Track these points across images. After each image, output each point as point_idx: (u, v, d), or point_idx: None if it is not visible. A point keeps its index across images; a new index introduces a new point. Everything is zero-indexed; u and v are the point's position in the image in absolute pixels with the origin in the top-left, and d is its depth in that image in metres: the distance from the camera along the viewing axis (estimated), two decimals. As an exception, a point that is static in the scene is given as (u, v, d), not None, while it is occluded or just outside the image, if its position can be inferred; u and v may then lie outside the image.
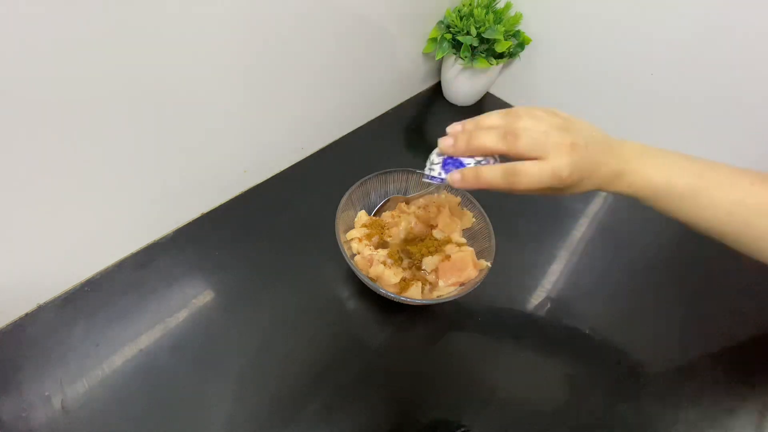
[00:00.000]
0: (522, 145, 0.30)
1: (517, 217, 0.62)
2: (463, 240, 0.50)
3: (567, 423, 0.45)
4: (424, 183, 0.49)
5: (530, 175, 0.30)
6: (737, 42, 0.53)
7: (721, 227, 0.33)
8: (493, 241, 0.47)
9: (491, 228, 0.48)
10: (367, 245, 0.49)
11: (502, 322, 0.52)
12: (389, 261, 0.47)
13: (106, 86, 0.38)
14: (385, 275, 0.45)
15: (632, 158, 0.33)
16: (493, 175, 0.31)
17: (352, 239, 0.49)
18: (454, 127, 0.34)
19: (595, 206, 0.66)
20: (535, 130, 0.30)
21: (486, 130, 0.32)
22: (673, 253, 0.62)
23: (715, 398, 0.48)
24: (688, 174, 0.32)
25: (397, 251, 0.48)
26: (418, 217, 0.51)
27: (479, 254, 0.48)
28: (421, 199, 0.53)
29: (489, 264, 0.45)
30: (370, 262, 0.47)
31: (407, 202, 0.52)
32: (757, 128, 0.57)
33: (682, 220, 0.34)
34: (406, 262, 0.48)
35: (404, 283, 0.46)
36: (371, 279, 0.45)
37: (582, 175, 0.31)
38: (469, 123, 0.34)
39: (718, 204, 0.32)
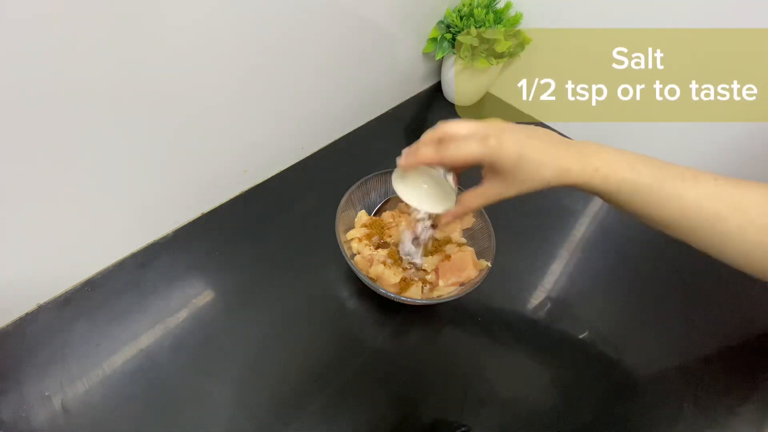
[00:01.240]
0: (451, 149, 0.32)
1: (517, 217, 0.61)
2: (464, 240, 0.50)
3: (567, 423, 0.45)
4: None
5: (458, 146, 0.32)
6: (738, 41, 0.53)
7: (689, 221, 0.31)
8: (493, 241, 0.47)
9: (491, 228, 0.48)
10: (367, 245, 0.49)
11: (502, 322, 0.52)
12: (389, 261, 0.47)
13: (106, 86, 0.38)
14: (385, 275, 0.45)
15: (594, 153, 0.32)
16: (425, 149, 0.34)
17: (352, 239, 0.49)
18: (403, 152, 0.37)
19: (596, 206, 0.66)
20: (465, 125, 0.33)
21: (424, 144, 0.35)
22: (674, 253, 0.62)
23: (716, 398, 0.48)
24: (653, 167, 0.31)
25: (397, 251, 0.48)
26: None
27: (479, 254, 0.48)
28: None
29: (489, 264, 0.45)
30: (370, 262, 0.47)
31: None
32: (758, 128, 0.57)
33: (645, 215, 0.32)
34: (405, 261, 0.48)
35: (404, 283, 0.46)
36: (371, 279, 0.45)
37: (526, 154, 0.31)
38: (412, 146, 0.36)
39: (685, 196, 0.31)
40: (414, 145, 0.36)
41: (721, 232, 0.31)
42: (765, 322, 0.55)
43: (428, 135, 0.35)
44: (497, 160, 0.31)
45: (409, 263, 0.47)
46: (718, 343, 0.52)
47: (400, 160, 0.36)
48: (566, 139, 0.34)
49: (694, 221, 0.31)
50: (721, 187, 0.31)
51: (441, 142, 0.33)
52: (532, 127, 0.33)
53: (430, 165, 0.35)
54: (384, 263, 0.46)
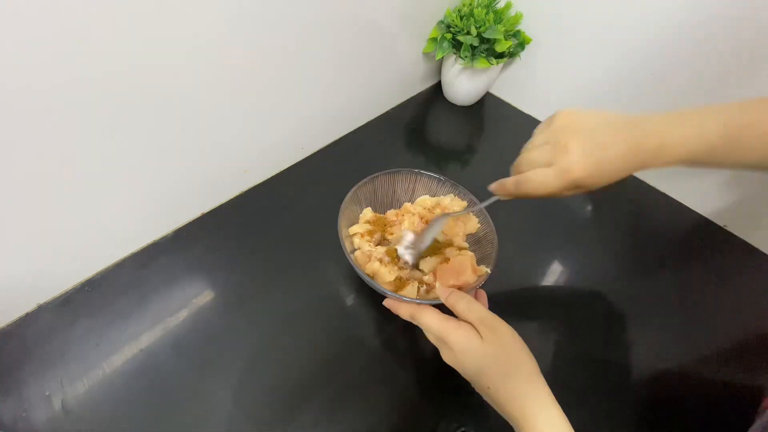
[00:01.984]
0: (531, 187, 0.34)
1: (522, 220, 0.62)
2: (465, 244, 0.50)
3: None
4: (471, 204, 0.51)
5: (534, 180, 0.34)
6: (738, 42, 0.53)
7: None
8: (496, 248, 0.46)
9: (495, 234, 0.47)
10: (368, 241, 0.48)
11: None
12: (386, 259, 0.46)
13: (106, 86, 0.38)
14: (381, 272, 0.45)
15: (657, 128, 0.32)
16: (510, 184, 0.37)
17: (354, 234, 0.49)
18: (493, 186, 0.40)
19: (597, 209, 0.66)
20: (530, 157, 0.35)
21: (507, 180, 0.37)
22: (675, 253, 0.62)
23: (715, 396, 0.48)
24: (718, 121, 0.31)
25: (395, 249, 0.48)
26: (421, 217, 0.51)
27: (481, 260, 0.47)
28: (428, 201, 0.53)
29: (488, 270, 0.45)
30: (369, 258, 0.46)
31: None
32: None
33: (738, 167, 0.33)
34: (402, 261, 0.48)
35: (399, 282, 0.45)
36: (368, 275, 0.44)
37: (600, 162, 0.32)
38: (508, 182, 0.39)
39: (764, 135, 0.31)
40: (500, 180, 0.38)
41: None
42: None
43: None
44: (572, 183, 0.33)
45: (405, 262, 0.47)
46: (720, 341, 0.52)
47: (492, 186, 0.39)
48: (626, 118, 0.33)
49: None
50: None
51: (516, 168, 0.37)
52: (591, 122, 0.33)
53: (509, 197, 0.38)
54: (380, 260, 0.46)
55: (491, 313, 0.36)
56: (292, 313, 0.51)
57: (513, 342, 0.35)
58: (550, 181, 0.33)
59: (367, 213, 0.51)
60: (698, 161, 0.32)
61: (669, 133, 0.32)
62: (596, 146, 0.32)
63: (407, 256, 0.46)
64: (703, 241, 0.64)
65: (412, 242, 0.47)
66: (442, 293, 0.40)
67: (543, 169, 0.33)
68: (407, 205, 0.53)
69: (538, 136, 0.36)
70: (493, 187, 0.39)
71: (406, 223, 0.50)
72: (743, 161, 0.32)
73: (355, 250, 0.48)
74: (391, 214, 0.52)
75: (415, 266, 0.47)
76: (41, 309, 0.48)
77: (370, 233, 0.49)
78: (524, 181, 0.34)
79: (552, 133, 0.34)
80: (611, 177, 0.32)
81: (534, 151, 0.35)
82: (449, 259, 0.46)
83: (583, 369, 0.49)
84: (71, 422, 0.41)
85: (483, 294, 0.43)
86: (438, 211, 0.51)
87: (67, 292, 0.50)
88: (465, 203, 0.51)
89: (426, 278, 0.46)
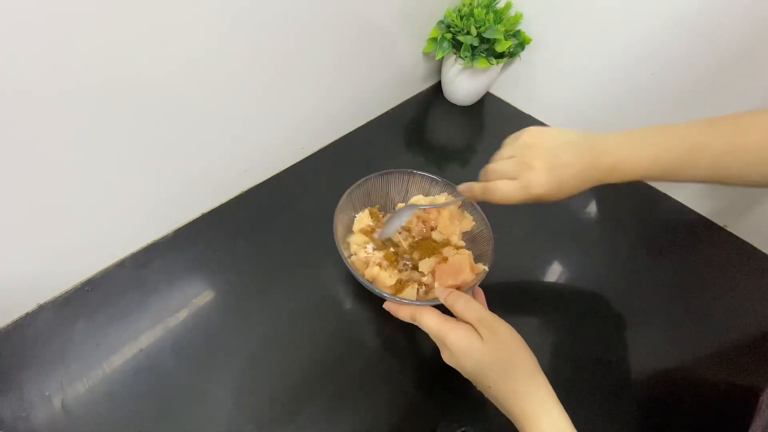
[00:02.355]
0: (497, 196, 0.38)
1: (518, 219, 0.62)
2: (462, 243, 0.50)
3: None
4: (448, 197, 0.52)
5: (500, 191, 0.38)
6: (738, 41, 0.53)
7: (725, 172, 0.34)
8: (492, 244, 0.47)
9: (491, 232, 0.48)
10: (364, 248, 0.48)
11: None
12: (385, 263, 0.46)
13: (107, 87, 0.38)
14: (381, 277, 0.45)
15: (613, 149, 0.35)
16: (477, 188, 0.41)
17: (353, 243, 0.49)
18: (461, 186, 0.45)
19: (595, 208, 0.66)
20: (497, 168, 0.39)
21: (475, 185, 0.42)
22: (675, 253, 0.62)
23: (716, 397, 0.48)
24: (669, 147, 0.34)
25: (394, 254, 0.48)
26: (417, 217, 0.51)
27: (478, 258, 0.48)
28: (422, 200, 0.53)
29: (486, 268, 0.45)
30: (367, 263, 0.47)
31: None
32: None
33: (690, 181, 0.35)
34: (401, 263, 0.48)
35: (400, 285, 0.46)
36: (367, 280, 0.44)
37: (559, 181, 0.35)
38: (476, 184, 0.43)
39: (716, 153, 0.33)
40: (468, 183, 0.43)
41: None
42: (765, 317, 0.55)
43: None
44: (532, 198, 0.37)
45: (404, 264, 0.47)
46: (720, 341, 0.52)
47: (461, 187, 0.44)
48: (586, 138, 0.37)
49: (729, 170, 0.33)
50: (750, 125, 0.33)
51: (484, 175, 0.41)
52: (553, 142, 0.37)
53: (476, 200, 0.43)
54: (380, 265, 0.46)
55: (490, 312, 0.37)
56: (292, 313, 0.51)
57: (512, 340, 0.35)
58: (513, 193, 0.37)
59: (364, 218, 0.51)
60: (652, 178, 0.35)
61: (622, 154, 0.35)
62: (557, 166, 0.36)
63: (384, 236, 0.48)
64: (703, 241, 0.64)
65: (379, 233, 0.48)
66: (440, 293, 0.40)
67: (508, 181, 0.37)
68: (401, 206, 0.53)
69: (506, 149, 0.40)
70: (462, 188, 0.44)
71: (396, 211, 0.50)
72: (695, 178, 0.35)
73: (351, 255, 0.48)
74: (389, 216, 0.52)
75: (414, 267, 0.48)
76: (41, 309, 0.48)
77: (366, 243, 0.49)
78: (491, 190, 0.39)
79: (519, 149, 0.38)
80: (569, 192, 0.36)
81: (502, 162, 0.39)
82: (447, 259, 0.46)
83: (582, 368, 0.49)
84: (71, 422, 0.41)
85: (480, 292, 0.43)
86: (434, 210, 0.51)
87: (67, 292, 0.50)
88: (459, 203, 0.51)
89: (425, 279, 0.46)
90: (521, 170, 0.37)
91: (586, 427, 0.32)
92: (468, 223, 0.51)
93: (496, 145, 0.43)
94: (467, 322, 0.36)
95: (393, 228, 0.47)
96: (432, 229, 0.50)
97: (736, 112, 0.34)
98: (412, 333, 0.50)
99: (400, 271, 0.47)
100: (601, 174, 0.35)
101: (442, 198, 0.52)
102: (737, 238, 0.64)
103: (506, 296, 0.55)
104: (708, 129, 0.34)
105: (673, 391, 0.48)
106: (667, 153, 0.34)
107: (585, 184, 0.36)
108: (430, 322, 0.37)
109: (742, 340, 0.53)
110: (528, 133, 0.39)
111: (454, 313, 0.38)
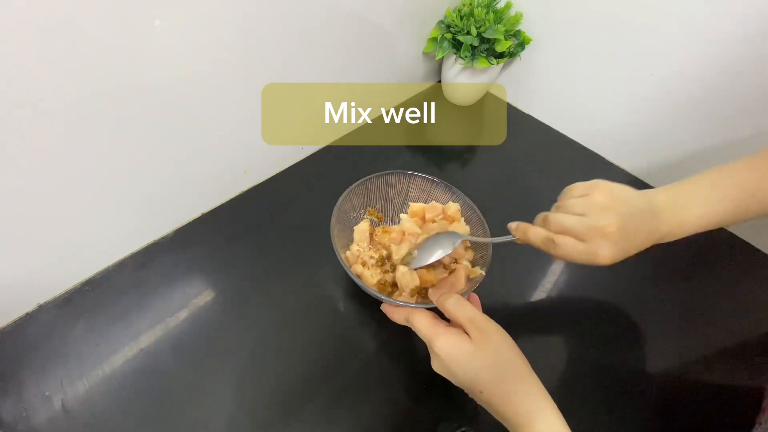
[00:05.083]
0: (559, 252, 0.36)
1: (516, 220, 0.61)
2: (475, 270, 0.47)
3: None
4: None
5: (565, 249, 0.35)
6: (739, 40, 0.53)
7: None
8: (490, 250, 0.46)
9: (490, 236, 0.47)
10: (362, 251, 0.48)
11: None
12: (370, 262, 0.46)
13: (107, 87, 0.38)
14: (364, 276, 0.44)
15: (669, 216, 0.36)
16: (535, 236, 0.37)
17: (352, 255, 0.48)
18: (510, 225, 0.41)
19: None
20: (563, 222, 0.36)
21: (534, 230, 0.38)
22: (676, 254, 0.62)
23: (718, 399, 0.48)
24: (726, 200, 0.36)
25: (383, 256, 0.47)
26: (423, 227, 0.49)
27: (476, 261, 0.47)
28: (437, 206, 0.50)
29: (483, 273, 0.44)
30: (357, 258, 0.46)
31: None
32: (760, 128, 0.57)
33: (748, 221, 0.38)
34: (389, 265, 0.47)
35: (394, 287, 0.45)
36: (357, 276, 0.44)
37: (624, 252, 0.35)
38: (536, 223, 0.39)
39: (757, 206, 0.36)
40: (524, 224, 0.39)
41: None
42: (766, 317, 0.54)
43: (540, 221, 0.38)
44: (595, 264, 0.35)
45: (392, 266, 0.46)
46: (719, 342, 0.52)
47: (510, 225, 0.40)
48: (648, 203, 0.36)
49: None
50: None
51: (545, 222, 0.37)
52: (625, 208, 0.35)
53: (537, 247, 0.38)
54: (364, 264, 0.45)
55: (482, 313, 0.36)
56: (292, 313, 0.51)
57: (503, 342, 0.35)
58: (578, 257, 0.35)
59: (362, 226, 0.50)
60: (710, 229, 0.37)
61: (677, 221, 0.36)
62: (625, 238, 0.34)
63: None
64: (706, 243, 0.64)
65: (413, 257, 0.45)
66: (433, 296, 0.40)
67: (576, 242, 0.35)
68: (405, 222, 0.50)
69: (576, 202, 0.36)
70: (513, 228, 0.40)
71: (405, 247, 0.47)
72: (753, 219, 0.37)
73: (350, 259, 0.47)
74: (384, 232, 0.50)
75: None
76: (41, 309, 0.48)
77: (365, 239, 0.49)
78: (556, 245, 0.35)
79: (592, 208, 0.35)
80: (627, 257, 0.36)
81: (571, 218, 0.35)
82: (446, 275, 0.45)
83: (583, 370, 0.49)
84: (71, 422, 0.41)
85: (476, 297, 0.43)
86: (443, 222, 0.48)
87: (67, 292, 0.50)
88: (458, 205, 0.49)
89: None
90: (593, 235, 0.34)
91: (586, 428, 0.32)
92: (466, 229, 0.49)
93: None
94: (459, 324, 0.36)
95: (431, 257, 0.43)
96: (455, 260, 0.48)
97: None
98: (412, 333, 0.50)
99: (384, 272, 0.46)
100: (656, 239, 0.36)
101: (454, 207, 0.50)
102: (741, 240, 0.63)
103: (505, 299, 0.54)
104: (757, 175, 0.36)
105: (676, 393, 0.48)
106: (721, 212, 0.36)
107: (645, 247, 0.36)
108: (420, 324, 0.37)
109: (746, 342, 0.53)
110: (601, 193, 0.36)
111: (445, 313, 0.37)
